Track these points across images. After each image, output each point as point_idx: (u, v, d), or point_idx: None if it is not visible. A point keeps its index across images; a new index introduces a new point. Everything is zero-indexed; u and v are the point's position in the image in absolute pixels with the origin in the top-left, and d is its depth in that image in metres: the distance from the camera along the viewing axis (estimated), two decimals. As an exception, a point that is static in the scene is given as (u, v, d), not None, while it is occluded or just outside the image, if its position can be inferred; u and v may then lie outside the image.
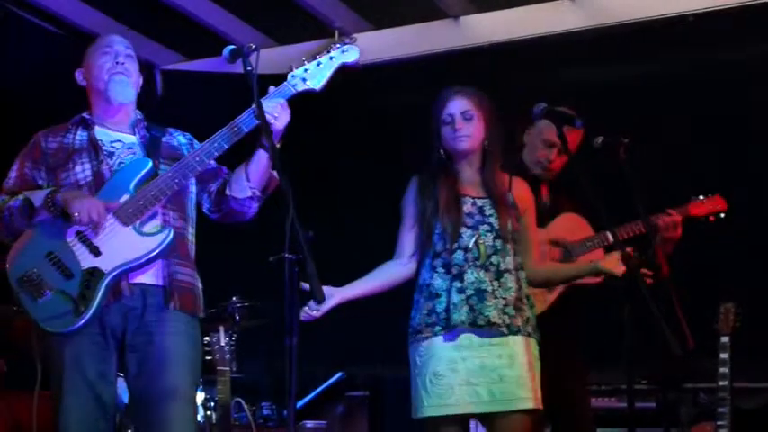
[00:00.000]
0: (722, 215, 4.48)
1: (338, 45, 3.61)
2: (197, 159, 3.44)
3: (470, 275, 3.65)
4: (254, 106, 3.37)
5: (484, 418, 3.68)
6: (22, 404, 4.65)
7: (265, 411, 5.78)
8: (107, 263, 3.34)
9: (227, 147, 3.46)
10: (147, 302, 3.42)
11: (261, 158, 3.51)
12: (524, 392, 3.61)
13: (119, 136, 3.59)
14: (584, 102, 4.52)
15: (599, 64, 6.21)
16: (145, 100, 3.78)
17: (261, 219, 3.74)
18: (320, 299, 3.15)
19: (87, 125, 3.58)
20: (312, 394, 6.34)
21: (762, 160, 5.59)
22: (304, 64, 3.53)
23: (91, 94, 3.64)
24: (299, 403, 6.02)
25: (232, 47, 3.34)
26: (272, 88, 3.50)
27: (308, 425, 5.96)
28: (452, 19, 6.48)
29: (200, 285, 3.59)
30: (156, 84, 6.83)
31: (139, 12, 6.33)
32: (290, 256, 3.01)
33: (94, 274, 3.33)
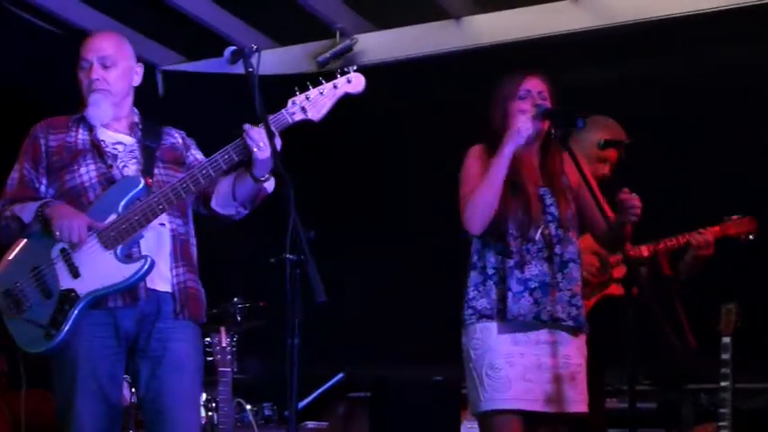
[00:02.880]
0: (751, 237, 4.51)
1: (344, 75, 3.45)
2: (184, 186, 3.37)
3: (534, 268, 3.59)
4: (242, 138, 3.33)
5: (537, 416, 3.61)
6: (23, 403, 4.66)
7: (267, 412, 5.78)
8: (83, 286, 3.33)
9: (204, 183, 3.40)
10: (161, 309, 3.42)
11: (249, 184, 3.46)
12: (576, 395, 3.60)
13: (119, 137, 3.56)
14: (587, 102, 4.51)
15: (601, 65, 6.21)
16: (145, 100, 3.77)
17: (262, 219, 3.74)
18: (322, 300, 3.13)
19: (88, 125, 3.56)
20: (313, 395, 6.34)
21: (764, 161, 5.58)
22: (308, 90, 3.43)
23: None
24: (301, 404, 6.01)
25: (233, 48, 3.33)
26: (270, 117, 3.37)
27: (310, 425, 5.96)
28: (454, 20, 6.47)
29: (203, 290, 3.59)
30: (156, 84, 6.82)
31: (140, 12, 6.32)
32: (291, 256, 3.01)
33: (70, 296, 3.32)
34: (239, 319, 5.48)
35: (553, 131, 3.70)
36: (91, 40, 3.61)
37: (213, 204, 3.56)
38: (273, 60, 6.67)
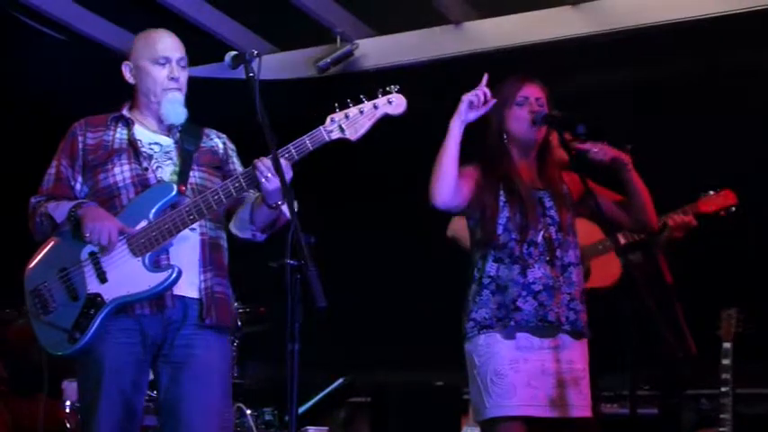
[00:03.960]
0: (733, 209, 4.46)
1: (385, 95, 3.39)
2: (215, 198, 3.35)
3: (537, 271, 3.58)
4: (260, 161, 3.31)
5: (541, 421, 3.59)
6: (24, 408, 4.66)
7: (267, 417, 5.77)
8: (110, 292, 3.32)
9: (236, 195, 3.39)
10: (187, 315, 3.40)
11: (264, 210, 3.43)
12: (580, 400, 3.59)
13: (157, 138, 3.53)
14: (587, 107, 4.52)
15: (601, 70, 6.21)
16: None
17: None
18: (322, 305, 3.13)
19: (127, 123, 3.54)
20: (314, 400, 6.34)
21: (765, 165, 5.59)
22: (347, 107, 3.37)
23: (138, 94, 3.57)
24: (301, 409, 6.01)
25: (234, 53, 3.33)
26: (306, 138, 3.33)
27: (310, 430, 5.95)
28: (454, 25, 6.49)
29: (232, 295, 3.56)
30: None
31: (141, 17, 6.32)
32: (291, 261, 3.01)
33: (96, 301, 3.31)
34: (239, 323, 5.47)
35: (549, 135, 3.72)
36: (165, 37, 3.58)
37: (231, 226, 3.55)
38: (274, 65, 6.68)
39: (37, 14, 6.17)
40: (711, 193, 4.48)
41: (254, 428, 5.37)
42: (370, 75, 6.68)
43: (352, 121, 3.36)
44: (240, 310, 5.48)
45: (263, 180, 3.30)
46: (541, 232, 3.62)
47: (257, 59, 3.30)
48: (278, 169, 3.21)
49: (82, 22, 6.37)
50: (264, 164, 3.30)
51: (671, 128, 5.78)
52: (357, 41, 6.66)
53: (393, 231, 6.34)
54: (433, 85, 6.47)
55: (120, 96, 3.64)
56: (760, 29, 5.72)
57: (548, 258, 3.60)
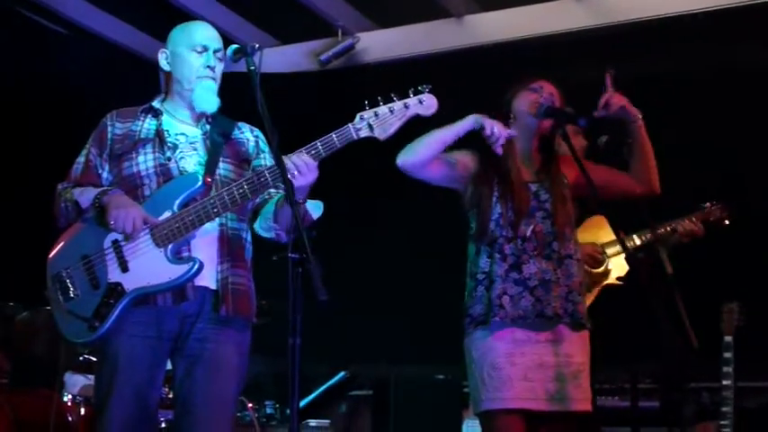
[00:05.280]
0: (726, 222, 4.56)
1: (417, 95, 3.36)
2: (240, 191, 3.32)
3: (532, 266, 3.58)
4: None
5: (538, 414, 3.60)
6: (26, 402, 4.66)
7: (268, 410, 5.78)
8: (131, 281, 3.32)
9: (262, 189, 3.37)
10: (204, 307, 3.40)
11: (287, 209, 3.34)
12: (579, 393, 3.59)
13: (184, 128, 3.53)
14: (589, 101, 4.51)
15: (603, 63, 6.18)
16: (149, 97, 3.75)
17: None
18: (323, 298, 3.13)
19: (156, 114, 3.54)
20: (315, 393, 6.35)
21: (764, 158, 5.59)
22: (377, 105, 3.33)
23: (171, 82, 3.56)
24: (303, 402, 6.02)
25: (235, 46, 3.33)
26: (333, 135, 3.30)
27: (312, 424, 5.96)
28: (456, 18, 6.48)
29: (253, 287, 3.55)
30: (159, 82, 6.82)
31: (143, 11, 6.34)
32: (293, 255, 3.01)
33: (117, 290, 3.31)
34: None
35: (556, 127, 3.72)
36: (204, 27, 3.58)
37: (256, 226, 3.55)
38: (276, 58, 6.68)
39: (42, 10, 6.17)
40: (708, 204, 4.57)
41: (255, 422, 5.38)
42: (372, 68, 6.68)
43: (381, 120, 3.33)
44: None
45: (296, 175, 3.25)
46: (532, 227, 3.62)
47: (258, 52, 3.28)
48: (279, 162, 3.21)
49: (84, 15, 6.37)
50: (292, 162, 3.27)
51: (672, 122, 5.77)
52: (358, 35, 6.66)
53: (395, 224, 6.35)
54: (435, 79, 6.48)
55: (126, 92, 3.64)
56: (764, 23, 5.71)
57: (543, 252, 3.60)
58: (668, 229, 4.47)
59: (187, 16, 6.32)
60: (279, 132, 3.28)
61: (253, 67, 3.27)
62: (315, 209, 3.44)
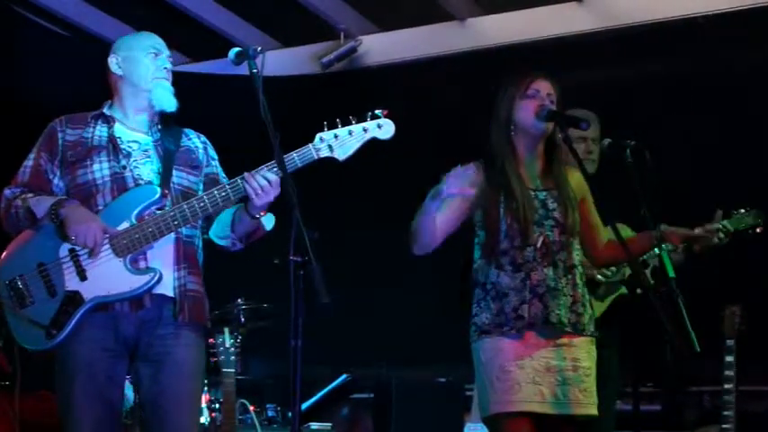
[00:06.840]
0: (758, 230, 4.47)
1: (374, 119, 3.44)
2: (201, 206, 3.38)
3: (539, 274, 3.57)
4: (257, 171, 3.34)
5: (545, 418, 3.58)
6: (28, 403, 4.66)
7: (270, 413, 5.78)
8: (90, 290, 3.33)
9: (223, 205, 3.42)
10: (162, 314, 3.42)
11: (246, 220, 3.46)
12: (586, 398, 3.58)
13: (136, 136, 3.55)
14: (592, 104, 4.52)
15: (606, 66, 6.20)
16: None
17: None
18: (325, 301, 3.12)
19: (107, 121, 3.55)
20: (317, 396, 6.35)
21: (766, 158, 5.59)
22: (336, 127, 3.41)
23: (123, 87, 3.58)
24: (304, 405, 6.02)
25: (237, 49, 3.33)
26: (294, 154, 3.36)
27: (313, 427, 5.96)
28: (458, 21, 6.48)
29: (205, 293, 3.58)
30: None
31: (145, 13, 6.34)
32: (295, 258, 3.01)
33: (75, 299, 3.32)
34: (243, 320, 5.48)
35: (558, 133, 3.70)
36: (154, 35, 3.64)
37: (211, 233, 3.59)
38: (277, 61, 6.68)
39: (40, 10, 6.17)
40: (743, 211, 4.48)
41: (257, 424, 5.38)
42: (374, 71, 6.68)
43: (341, 142, 3.42)
44: (244, 307, 5.50)
45: (255, 197, 3.34)
46: (542, 237, 3.61)
47: (261, 55, 3.29)
48: (281, 164, 3.21)
49: (85, 18, 6.37)
50: (257, 181, 3.33)
51: (677, 124, 5.77)
52: (361, 38, 6.66)
53: (397, 226, 6.34)
54: (437, 82, 6.48)
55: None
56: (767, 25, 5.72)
57: (549, 261, 3.59)
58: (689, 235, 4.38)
59: (188, 19, 6.34)
60: (280, 135, 3.29)
61: (255, 70, 3.27)
62: (267, 222, 3.50)
